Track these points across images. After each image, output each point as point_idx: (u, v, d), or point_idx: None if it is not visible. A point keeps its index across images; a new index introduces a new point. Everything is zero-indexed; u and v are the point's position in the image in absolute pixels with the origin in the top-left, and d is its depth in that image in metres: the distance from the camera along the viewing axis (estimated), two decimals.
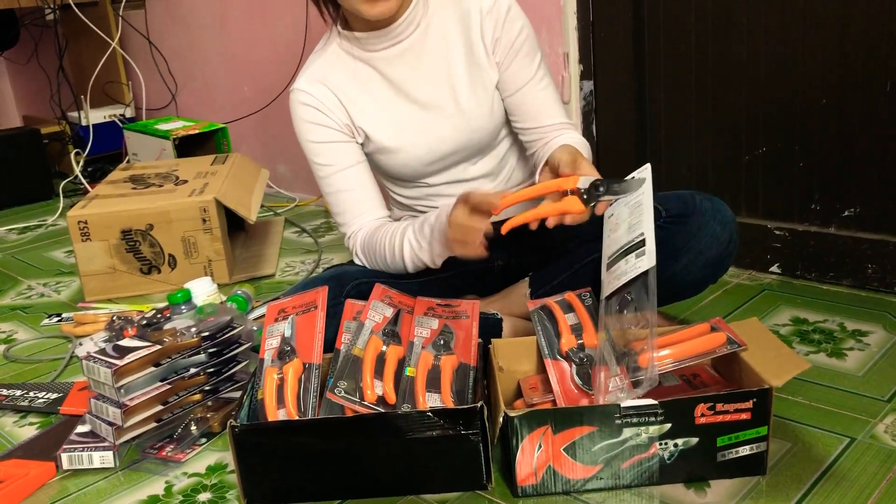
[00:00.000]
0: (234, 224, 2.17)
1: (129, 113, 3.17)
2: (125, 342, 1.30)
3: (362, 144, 1.41)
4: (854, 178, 1.60)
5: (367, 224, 1.40)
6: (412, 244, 1.31)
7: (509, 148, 1.46)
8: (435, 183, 1.45)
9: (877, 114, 1.53)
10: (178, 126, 2.70)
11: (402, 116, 1.39)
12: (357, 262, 1.43)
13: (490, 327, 1.38)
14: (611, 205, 1.21)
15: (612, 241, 1.19)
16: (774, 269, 1.73)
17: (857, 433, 1.15)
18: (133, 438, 1.26)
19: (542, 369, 1.21)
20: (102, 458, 1.24)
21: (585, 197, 1.13)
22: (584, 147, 1.35)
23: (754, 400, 1.03)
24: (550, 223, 1.14)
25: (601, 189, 1.14)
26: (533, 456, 1.05)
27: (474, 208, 1.14)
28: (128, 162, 2.88)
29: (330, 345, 1.23)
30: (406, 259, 1.33)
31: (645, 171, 1.18)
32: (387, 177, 1.49)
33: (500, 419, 1.04)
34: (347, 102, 1.38)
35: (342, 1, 1.27)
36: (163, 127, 2.72)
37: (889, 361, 1.34)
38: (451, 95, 1.37)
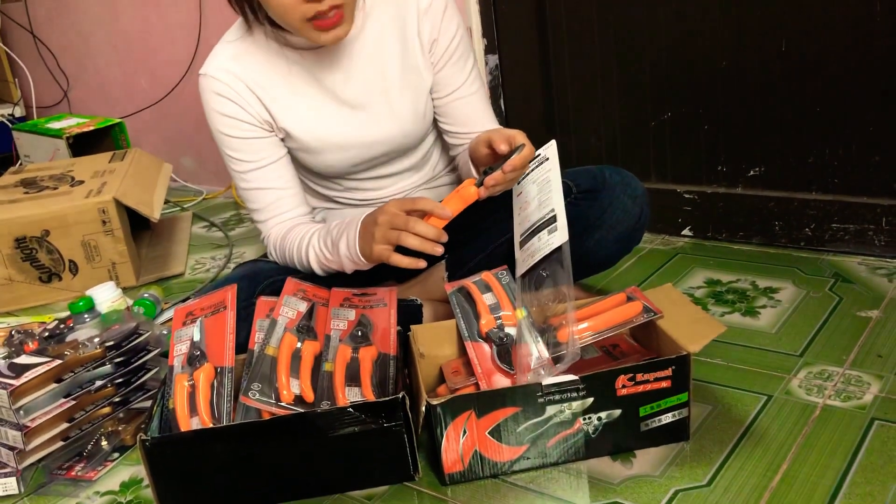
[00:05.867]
0: (138, 223, 2.08)
1: (18, 112, 3.01)
2: (22, 359, 1.22)
3: (283, 139, 1.33)
4: (757, 137, 1.62)
5: (285, 223, 1.32)
6: (318, 254, 1.25)
7: (433, 142, 1.42)
8: (358, 178, 1.39)
9: (773, 73, 1.56)
10: (71, 124, 2.57)
11: (329, 117, 1.30)
12: (271, 258, 1.37)
13: (411, 314, 1.35)
14: (519, 182, 1.20)
15: (523, 218, 1.18)
16: (686, 231, 1.76)
17: (773, 390, 1.17)
18: (39, 461, 1.19)
19: (463, 352, 1.19)
20: (5, 486, 1.17)
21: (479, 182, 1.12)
22: None
23: (673, 367, 1.03)
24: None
25: (487, 171, 1.12)
26: (458, 442, 1.03)
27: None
28: (20, 165, 2.72)
29: (245, 347, 1.18)
30: (315, 268, 1.27)
31: (550, 149, 1.17)
32: (306, 171, 1.43)
33: (423, 408, 1.01)
34: (268, 99, 1.28)
35: (285, 24, 1.15)
36: (55, 125, 2.58)
37: (800, 316, 1.37)
38: (383, 98, 1.30)
